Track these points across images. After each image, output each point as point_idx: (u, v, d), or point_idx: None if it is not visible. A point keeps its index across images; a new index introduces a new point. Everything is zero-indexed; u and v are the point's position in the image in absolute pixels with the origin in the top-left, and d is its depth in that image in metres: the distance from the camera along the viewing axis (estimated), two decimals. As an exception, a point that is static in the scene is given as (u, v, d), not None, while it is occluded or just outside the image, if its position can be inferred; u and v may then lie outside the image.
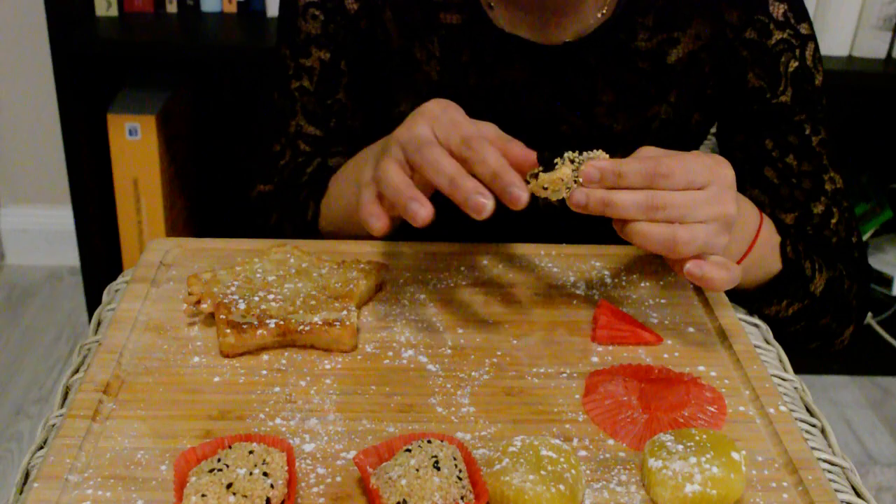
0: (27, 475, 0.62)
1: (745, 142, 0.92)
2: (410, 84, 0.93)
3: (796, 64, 0.89)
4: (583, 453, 0.64)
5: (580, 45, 0.89)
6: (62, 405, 0.67)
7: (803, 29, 0.89)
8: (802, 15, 0.90)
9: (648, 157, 0.70)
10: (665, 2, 0.89)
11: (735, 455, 0.59)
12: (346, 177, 0.91)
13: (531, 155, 0.71)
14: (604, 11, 0.89)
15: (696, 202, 0.69)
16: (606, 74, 0.90)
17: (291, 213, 0.95)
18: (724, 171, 0.71)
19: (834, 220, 0.92)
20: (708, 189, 0.69)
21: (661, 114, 0.92)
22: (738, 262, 0.82)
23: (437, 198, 0.95)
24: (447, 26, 0.90)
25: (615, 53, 0.89)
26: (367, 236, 0.86)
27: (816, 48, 0.90)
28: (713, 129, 1.01)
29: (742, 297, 0.85)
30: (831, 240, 0.92)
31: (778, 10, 0.88)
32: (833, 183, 0.92)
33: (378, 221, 0.71)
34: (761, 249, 0.84)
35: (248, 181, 1.01)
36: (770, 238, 0.86)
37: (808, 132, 0.90)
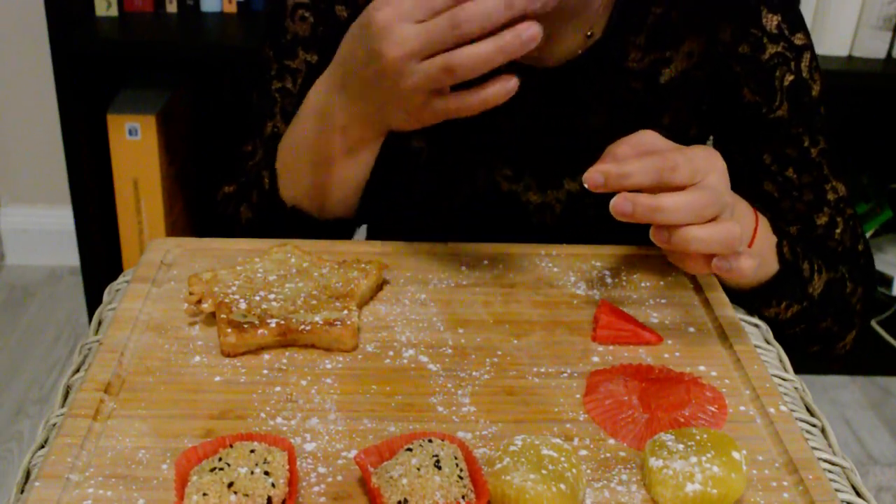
0: (28, 474, 0.62)
1: (743, 156, 0.91)
2: None
3: (791, 77, 0.87)
4: (584, 452, 0.64)
5: (572, 65, 0.88)
6: (63, 404, 0.67)
7: (798, 39, 0.87)
8: (797, 25, 0.88)
9: (652, 153, 0.69)
10: (657, 20, 0.87)
11: (736, 454, 0.60)
12: (308, 116, 0.85)
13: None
14: (589, 33, 0.87)
15: (717, 193, 0.68)
16: (599, 95, 0.89)
17: (248, 192, 0.92)
18: (718, 161, 0.71)
19: (838, 230, 0.91)
20: (709, 178, 0.69)
21: None
22: None
23: (437, 200, 0.95)
24: None
25: (607, 74, 0.88)
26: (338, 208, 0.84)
27: (813, 57, 0.88)
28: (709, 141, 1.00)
29: (741, 298, 0.85)
30: (836, 249, 0.91)
31: (771, 23, 0.86)
32: (835, 192, 0.91)
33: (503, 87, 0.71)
34: (760, 245, 0.84)
35: (215, 184, 0.99)
36: (767, 235, 0.85)
37: (806, 144, 0.89)
